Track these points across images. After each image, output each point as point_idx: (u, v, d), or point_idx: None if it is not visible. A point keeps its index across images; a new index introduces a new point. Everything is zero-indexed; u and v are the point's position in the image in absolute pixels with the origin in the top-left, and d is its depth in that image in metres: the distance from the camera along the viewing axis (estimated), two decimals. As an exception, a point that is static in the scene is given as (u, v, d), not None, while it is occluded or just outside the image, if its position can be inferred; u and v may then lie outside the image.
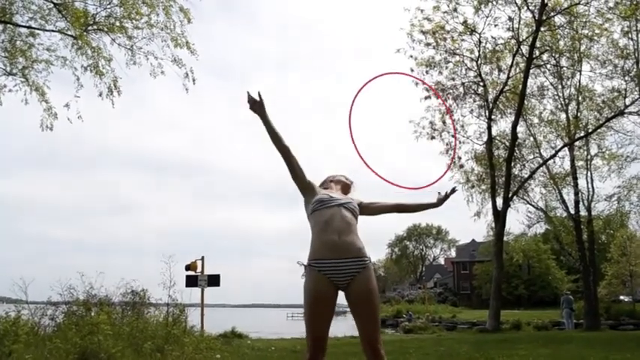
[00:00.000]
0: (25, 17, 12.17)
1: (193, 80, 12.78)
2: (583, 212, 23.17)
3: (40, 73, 12.86)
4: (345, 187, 3.78)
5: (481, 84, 22.20)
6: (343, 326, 20.10)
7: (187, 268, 13.62)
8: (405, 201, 3.88)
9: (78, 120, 12.39)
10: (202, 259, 14.09)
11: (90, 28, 12.23)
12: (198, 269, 13.81)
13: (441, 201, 3.97)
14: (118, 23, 12.38)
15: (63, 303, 8.50)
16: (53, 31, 12.39)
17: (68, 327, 7.47)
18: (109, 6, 12.38)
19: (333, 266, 3.11)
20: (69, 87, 12.89)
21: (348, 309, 3.33)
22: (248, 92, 3.40)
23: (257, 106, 3.41)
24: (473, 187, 23.30)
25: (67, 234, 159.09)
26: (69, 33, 12.24)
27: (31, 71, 12.73)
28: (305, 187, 3.50)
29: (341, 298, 3.31)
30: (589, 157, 23.15)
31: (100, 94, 12.66)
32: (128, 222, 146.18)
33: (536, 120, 23.91)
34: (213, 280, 14.06)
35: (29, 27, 12.29)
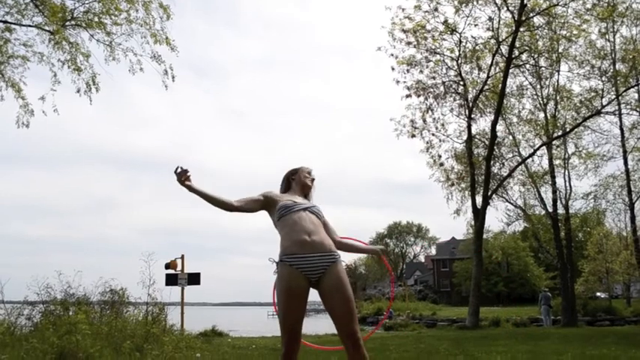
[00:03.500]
0: (1, 12, 11.96)
1: (173, 77, 12.70)
2: (561, 210, 23.51)
3: (16, 69, 12.69)
4: (306, 188, 3.80)
5: (461, 83, 22.37)
6: (325, 324, 20.12)
7: (167, 266, 13.50)
8: (342, 239, 3.79)
9: (57, 118, 12.27)
10: (182, 257, 13.98)
11: (68, 23, 12.06)
12: (178, 268, 13.71)
13: (374, 251, 4.11)
14: (96, 19, 12.23)
15: (40, 302, 8.37)
16: (30, 26, 12.20)
17: (45, 327, 7.37)
18: (87, 1, 12.23)
19: (304, 260, 3.18)
20: (46, 83, 12.72)
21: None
22: (176, 168, 3.38)
23: (182, 179, 3.37)
24: (453, 185, 23.44)
25: (45, 232, 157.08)
26: (46, 28, 12.06)
27: (6, 67, 12.53)
28: (265, 205, 3.56)
29: (315, 295, 3.33)
30: (567, 155, 23.49)
31: (78, 91, 12.51)
32: (106, 220, 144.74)
33: (515, 119, 24.18)
34: (194, 279, 13.96)
35: (5, 22, 12.08)
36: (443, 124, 22.85)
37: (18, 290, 8.58)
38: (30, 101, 12.75)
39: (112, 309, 9.19)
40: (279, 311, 3.17)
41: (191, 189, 3.39)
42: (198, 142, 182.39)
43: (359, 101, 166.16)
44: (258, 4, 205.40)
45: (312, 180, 3.83)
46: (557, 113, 22.76)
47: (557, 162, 23.29)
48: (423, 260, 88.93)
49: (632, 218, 23.41)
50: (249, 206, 3.51)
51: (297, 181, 3.79)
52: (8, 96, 12.74)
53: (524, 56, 21.84)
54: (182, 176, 3.36)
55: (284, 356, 3.13)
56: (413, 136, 22.76)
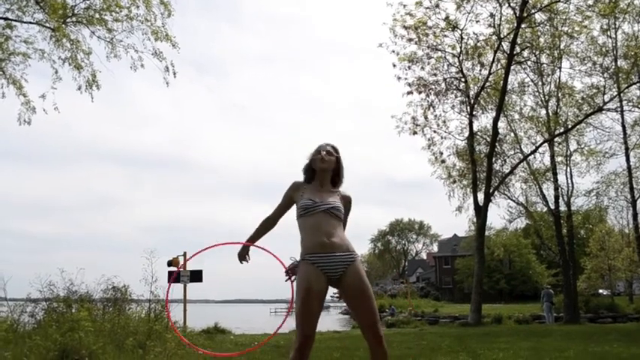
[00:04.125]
0: (2, 8, 11.97)
1: (174, 74, 12.70)
2: (563, 207, 23.47)
3: (17, 66, 12.69)
4: (323, 172, 3.65)
5: (462, 80, 22.32)
6: (328, 321, 20.15)
7: (169, 263, 13.52)
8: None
9: (58, 115, 12.27)
10: (184, 254, 14.00)
11: (69, 20, 12.05)
12: (180, 265, 13.73)
13: None
14: (97, 15, 12.22)
15: (43, 300, 8.36)
16: (31, 22, 12.19)
17: (48, 324, 7.36)
18: (88, -2, 12.21)
19: (325, 259, 3.32)
20: (47, 80, 12.73)
21: (331, 304, 3.44)
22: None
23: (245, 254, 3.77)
24: (454, 182, 23.42)
25: (47, 230, 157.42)
26: (47, 25, 12.05)
27: (7, 64, 12.53)
28: (290, 204, 3.71)
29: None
30: (568, 152, 23.44)
31: (79, 88, 12.52)
32: (109, 218, 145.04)
33: (516, 116, 24.14)
34: (196, 276, 13.98)
35: (6, 19, 12.07)
36: (444, 121, 22.83)
37: (21, 288, 8.59)
38: (31, 98, 12.77)
39: (115, 306, 9.19)
40: (298, 307, 3.26)
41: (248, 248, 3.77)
42: (199, 138, 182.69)
43: (360, 97, 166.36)
44: (259, 1, 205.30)
45: (323, 158, 3.61)
46: (558, 110, 22.71)
47: (559, 159, 23.26)
48: (425, 257, 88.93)
49: (635, 215, 23.39)
50: (282, 212, 3.73)
51: (314, 168, 3.69)
52: (9, 93, 12.76)
53: (525, 53, 21.79)
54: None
55: (299, 349, 3.21)
56: (414, 133, 22.74)
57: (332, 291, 3.50)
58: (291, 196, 3.65)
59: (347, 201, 3.68)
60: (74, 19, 12.18)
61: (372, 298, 3.34)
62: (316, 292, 3.27)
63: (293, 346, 3.27)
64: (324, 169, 3.63)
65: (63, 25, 11.69)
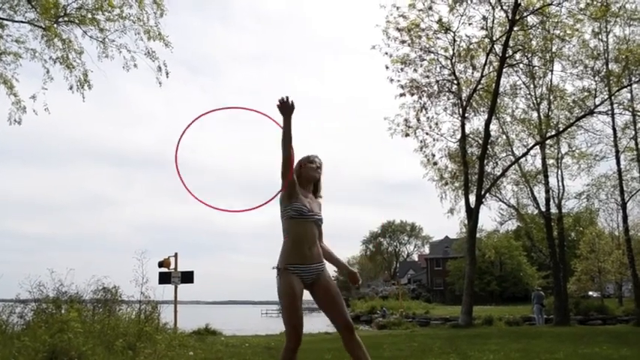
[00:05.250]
0: (-7, 8, 11.87)
1: (167, 73, 12.63)
2: (553, 210, 23.58)
3: (8, 66, 12.60)
4: (313, 179, 3.96)
5: (455, 82, 22.38)
6: (319, 323, 20.12)
7: (160, 264, 13.47)
8: (330, 249, 4.05)
9: (51, 115, 12.19)
10: (175, 255, 13.96)
11: (60, 19, 11.97)
12: (172, 266, 13.68)
13: (349, 272, 4.13)
14: (89, 15, 12.15)
15: (32, 300, 8.31)
16: (22, 22, 12.12)
17: (37, 325, 7.31)
18: (80, -3, 12.14)
19: (303, 268, 3.71)
20: (38, 80, 12.64)
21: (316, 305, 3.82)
22: (286, 97, 3.69)
23: (290, 108, 3.69)
24: (446, 184, 23.48)
25: (36, 230, 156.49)
26: (39, 24, 11.97)
27: (-2, 63, 12.44)
28: (292, 194, 3.77)
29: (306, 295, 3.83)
30: (560, 155, 23.56)
31: (71, 88, 12.44)
32: (100, 218, 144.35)
33: (508, 118, 24.23)
34: (187, 277, 13.94)
35: (-3, 17, 11.98)
36: (437, 123, 22.87)
37: (10, 288, 8.53)
38: (22, 98, 12.68)
39: (105, 307, 9.15)
40: (287, 311, 3.62)
41: (290, 118, 3.70)
42: (193, 138, 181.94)
43: (353, 98, 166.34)
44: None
45: (318, 168, 3.96)
46: (550, 113, 22.82)
47: (550, 161, 23.37)
48: (416, 259, 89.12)
49: (625, 218, 23.52)
50: (290, 177, 3.73)
51: (304, 175, 3.91)
52: (0, 92, 12.66)
53: (517, 55, 21.88)
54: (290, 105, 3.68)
55: (291, 350, 3.59)
56: (407, 135, 22.76)
57: None
58: (295, 183, 3.77)
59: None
60: (66, 18, 12.11)
61: (341, 295, 3.80)
62: (300, 298, 3.67)
63: (284, 346, 3.60)
64: (316, 179, 3.98)
65: (55, 25, 11.62)
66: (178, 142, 3.97)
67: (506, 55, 20.72)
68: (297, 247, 3.72)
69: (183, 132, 4.07)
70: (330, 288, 3.77)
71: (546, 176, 23.16)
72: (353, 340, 3.72)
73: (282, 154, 3.66)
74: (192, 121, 4.05)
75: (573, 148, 23.45)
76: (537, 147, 22.87)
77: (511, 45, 20.86)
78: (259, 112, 3.96)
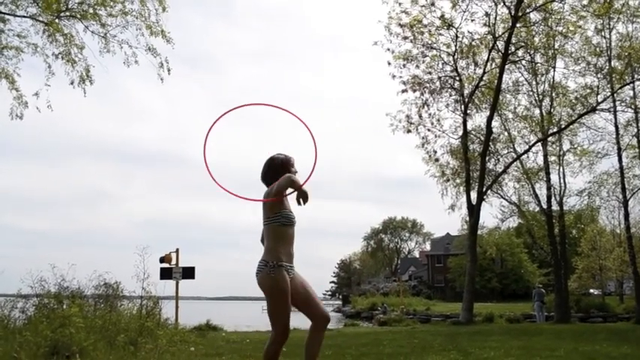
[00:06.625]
0: (-5, 2, 11.85)
1: (168, 70, 12.64)
2: (555, 207, 23.53)
3: (10, 60, 12.59)
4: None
5: (457, 78, 22.34)
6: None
7: (162, 260, 13.49)
8: None
9: (48, 109, 12.16)
10: (177, 251, 13.97)
11: (62, 14, 11.96)
12: (173, 261, 13.70)
13: None
14: (91, 10, 12.15)
15: (34, 295, 8.33)
16: (24, 16, 12.11)
17: (39, 320, 7.33)
18: (82, -8, 12.12)
19: (289, 267, 3.89)
20: (40, 75, 12.65)
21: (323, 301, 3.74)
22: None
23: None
24: (448, 180, 23.47)
25: (38, 225, 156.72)
26: (40, 19, 11.96)
27: (0, 58, 12.44)
28: (282, 201, 3.92)
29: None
30: (561, 152, 23.51)
31: (72, 83, 12.45)
32: (101, 213, 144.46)
33: (510, 115, 24.17)
34: (188, 273, 13.96)
35: (-1, 12, 11.97)
36: (439, 120, 22.86)
37: (12, 283, 8.55)
38: (24, 93, 12.68)
39: (106, 302, 9.17)
40: (283, 306, 3.76)
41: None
42: (193, 135, 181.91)
43: (354, 95, 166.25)
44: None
45: (296, 173, 4.07)
46: (552, 110, 22.77)
47: (552, 158, 23.32)
48: (417, 256, 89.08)
49: (626, 215, 23.47)
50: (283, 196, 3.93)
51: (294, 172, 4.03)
52: (2, 87, 12.66)
53: (520, 52, 21.84)
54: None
55: (280, 343, 3.78)
56: (409, 131, 22.76)
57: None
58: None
59: None
60: (68, 13, 12.10)
61: (313, 289, 4.08)
62: (289, 293, 3.82)
63: (272, 340, 3.80)
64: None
65: (56, 20, 11.62)
66: (206, 138, 3.97)
67: (509, 52, 20.68)
68: (286, 248, 3.88)
69: (211, 127, 4.05)
70: (305, 282, 3.98)
71: (548, 173, 23.11)
72: (322, 333, 3.97)
73: (286, 186, 3.75)
74: (220, 117, 4.04)
75: (575, 146, 23.41)
76: (539, 144, 22.82)
77: (513, 41, 20.82)
78: (290, 112, 4.06)
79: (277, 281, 3.74)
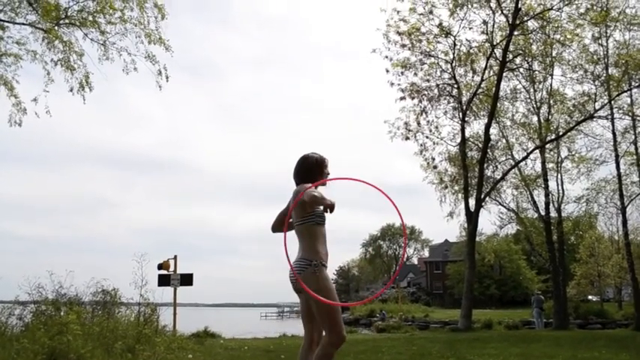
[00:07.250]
0: (-6, 10, 11.89)
1: (167, 77, 12.66)
2: (553, 214, 23.59)
3: (9, 67, 12.63)
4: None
5: (455, 86, 22.42)
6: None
7: (160, 267, 13.44)
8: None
9: (48, 116, 12.18)
10: (175, 258, 13.93)
11: (62, 22, 12.00)
12: (171, 268, 13.66)
13: None
14: (90, 18, 12.18)
15: (31, 302, 8.31)
16: (23, 24, 12.15)
17: (36, 327, 7.30)
18: (81, 0, 12.17)
19: (326, 267, 3.81)
20: (39, 82, 12.67)
21: None
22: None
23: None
24: (446, 187, 23.52)
25: (36, 232, 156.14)
26: (39, 26, 12.00)
27: (-1, 65, 12.47)
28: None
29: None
30: (559, 159, 23.58)
31: (71, 90, 12.46)
32: (101, 220, 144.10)
33: (508, 122, 24.28)
34: (186, 280, 13.90)
35: (-2, 20, 12.00)
36: (437, 127, 22.95)
37: (9, 290, 8.52)
38: (22, 99, 12.70)
39: (104, 309, 9.14)
40: (331, 306, 3.58)
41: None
42: (192, 142, 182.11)
43: (352, 102, 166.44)
44: (251, 3, 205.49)
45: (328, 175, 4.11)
46: (550, 117, 22.87)
47: (550, 165, 23.39)
48: (416, 262, 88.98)
49: (624, 222, 23.50)
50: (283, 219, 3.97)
51: (319, 178, 3.99)
52: (1, 94, 12.68)
53: (517, 60, 21.94)
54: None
55: (337, 346, 3.60)
56: (407, 138, 22.82)
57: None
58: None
59: None
60: (67, 20, 12.14)
61: None
62: None
63: (331, 344, 3.57)
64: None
65: (55, 27, 11.65)
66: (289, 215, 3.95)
67: (507, 60, 20.77)
68: (324, 247, 3.80)
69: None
70: None
71: (546, 180, 23.17)
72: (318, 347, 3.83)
73: (317, 203, 3.70)
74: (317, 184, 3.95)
75: (573, 152, 23.51)
76: (537, 151, 22.89)
77: (511, 49, 20.91)
78: (377, 187, 4.08)
79: (322, 280, 3.65)
